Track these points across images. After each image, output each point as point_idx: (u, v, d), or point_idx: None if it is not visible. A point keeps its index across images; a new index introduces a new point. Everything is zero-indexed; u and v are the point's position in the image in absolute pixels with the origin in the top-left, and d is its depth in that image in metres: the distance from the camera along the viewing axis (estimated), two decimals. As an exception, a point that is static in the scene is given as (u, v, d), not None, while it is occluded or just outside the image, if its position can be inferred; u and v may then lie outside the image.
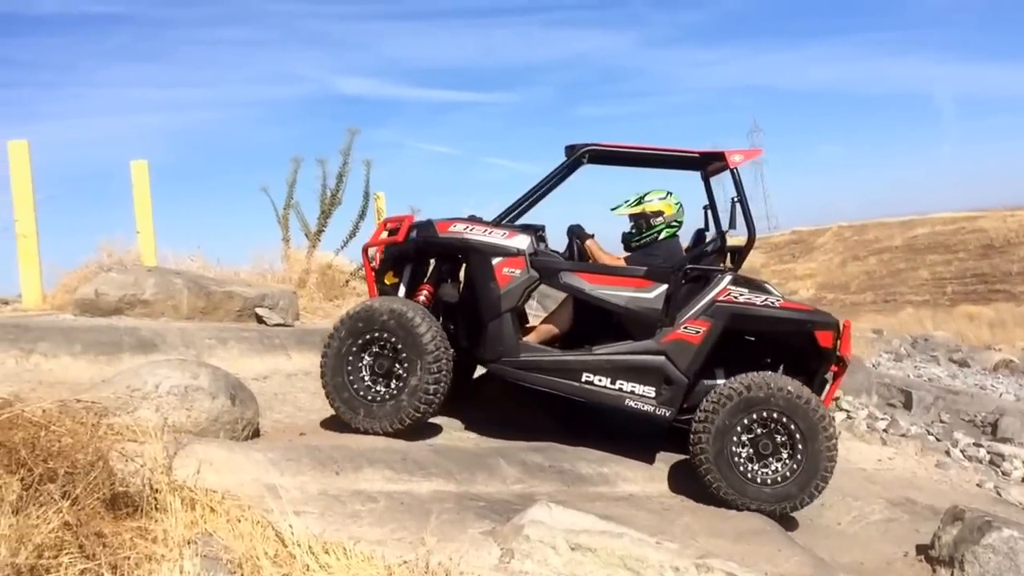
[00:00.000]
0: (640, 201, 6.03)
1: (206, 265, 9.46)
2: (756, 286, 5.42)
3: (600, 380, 5.38)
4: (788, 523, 5.18)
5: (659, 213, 5.94)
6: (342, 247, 10.22)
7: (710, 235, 5.96)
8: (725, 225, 5.61)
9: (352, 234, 10.11)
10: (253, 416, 5.15)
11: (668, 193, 6.06)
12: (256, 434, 5.23)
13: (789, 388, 5.08)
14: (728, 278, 5.40)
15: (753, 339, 5.61)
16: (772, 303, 5.32)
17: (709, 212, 5.92)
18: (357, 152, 10.18)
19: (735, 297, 5.32)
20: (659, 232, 5.93)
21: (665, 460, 5.72)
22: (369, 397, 5.28)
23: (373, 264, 5.87)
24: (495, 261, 5.54)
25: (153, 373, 4.85)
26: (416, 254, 5.82)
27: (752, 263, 43.68)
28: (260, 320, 7.50)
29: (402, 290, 5.77)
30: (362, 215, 10.12)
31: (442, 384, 5.21)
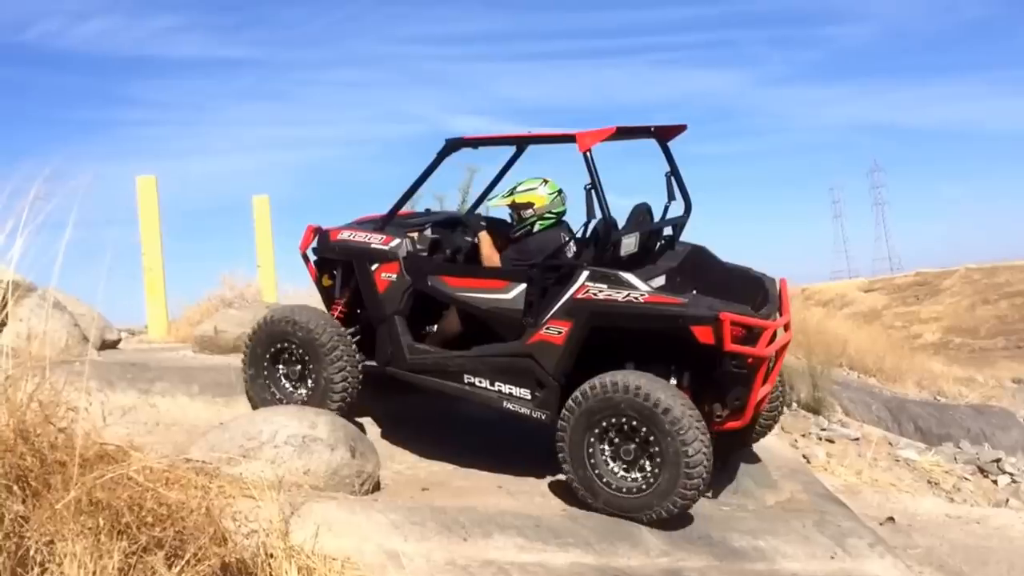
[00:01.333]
0: (512, 191, 5.64)
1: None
2: (617, 280, 4.81)
3: (480, 382, 5.17)
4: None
5: (528, 205, 5.52)
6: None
7: (593, 224, 5.44)
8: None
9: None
10: (374, 469, 4.79)
11: (543, 181, 5.61)
12: (376, 487, 4.87)
13: (637, 388, 4.54)
14: (585, 273, 4.88)
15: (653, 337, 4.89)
16: (636, 298, 4.73)
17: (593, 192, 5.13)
18: (475, 189, 9.95)
19: (594, 294, 4.82)
20: (531, 225, 5.53)
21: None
22: (290, 402, 5.33)
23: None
24: (373, 267, 5.52)
25: (269, 421, 4.55)
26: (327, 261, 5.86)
27: (873, 304, 41.80)
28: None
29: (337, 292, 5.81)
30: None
31: (347, 373, 5.29)
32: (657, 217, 5.65)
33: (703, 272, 5.54)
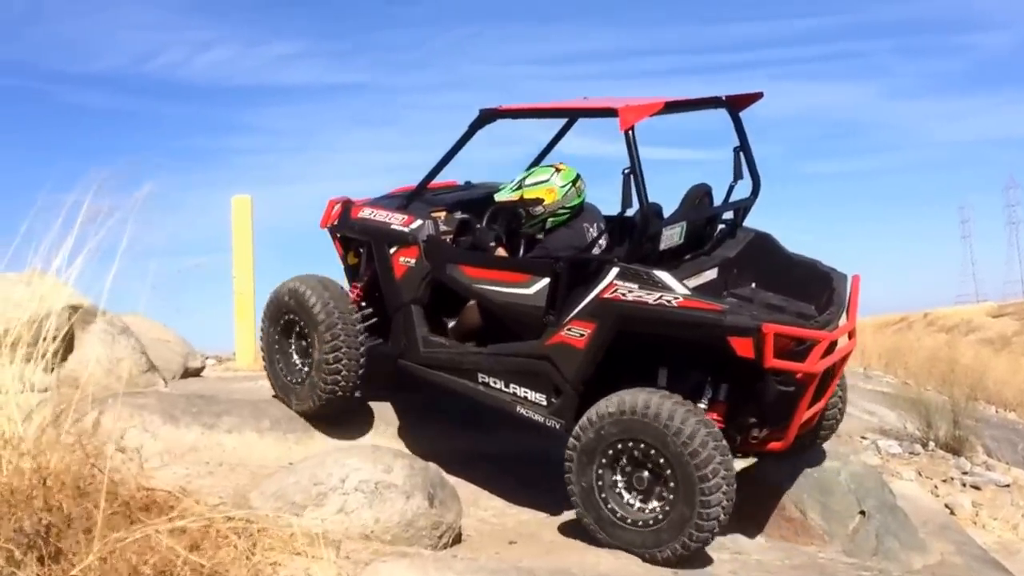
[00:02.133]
0: (520, 184, 5.05)
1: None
2: (650, 280, 4.22)
3: (495, 382, 4.74)
4: None
5: (538, 201, 4.96)
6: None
7: (631, 212, 4.63)
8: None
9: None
10: (454, 519, 4.23)
11: (555, 170, 5.01)
12: (457, 540, 4.31)
13: (646, 407, 4.01)
14: (615, 271, 4.30)
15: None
16: (668, 301, 4.13)
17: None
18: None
19: (622, 294, 4.25)
20: (543, 223, 5.00)
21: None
22: (295, 380, 5.14)
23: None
24: (392, 250, 5.12)
25: (340, 464, 4.04)
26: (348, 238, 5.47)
27: (1003, 330, 39.21)
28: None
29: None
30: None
31: (343, 353, 4.91)
32: (720, 199, 4.99)
33: (765, 263, 4.90)
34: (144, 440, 4.54)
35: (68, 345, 5.06)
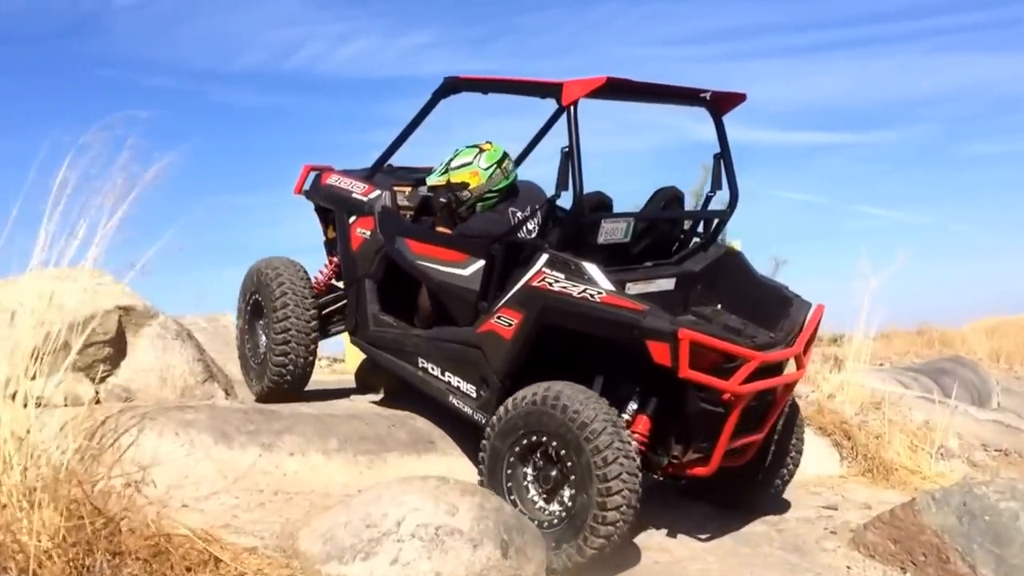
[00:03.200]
0: (447, 167, 4.78)
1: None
2: (577, 270, 4.00)
3: (432, 368, 4.55)
4: None
5: (464, 185, 4.72)
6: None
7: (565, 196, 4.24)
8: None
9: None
10: (537, 570, 3.47)
11: (479, 151, 4.74)
12: (544, 594, 3.55)
13: (556, 398, 3.77)
14: (544, 257, 4.09)
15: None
16: (591, 296, 3.90)
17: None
18: None
19: (549, 283, 4.04)
20: (472, 207, 4.74)
21: None
22: (256, 361, 5.11)
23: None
24: (350, 220, 5.01)
25: (397, 502, 3.33)
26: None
27: None
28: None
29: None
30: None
31: (291, 336, 4.83)
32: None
33: (732, 283, 4.56)
34: (190, 464, 3.98)
35: (120, 351, 4.57)
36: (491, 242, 4.33)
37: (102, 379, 4.48)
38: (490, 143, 4.76)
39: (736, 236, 9.58)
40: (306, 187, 5.34)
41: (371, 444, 4.51)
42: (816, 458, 6.12)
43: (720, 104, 4.59)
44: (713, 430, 3.97)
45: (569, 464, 3.70)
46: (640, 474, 3.68)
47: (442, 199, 4.80)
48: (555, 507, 3.82)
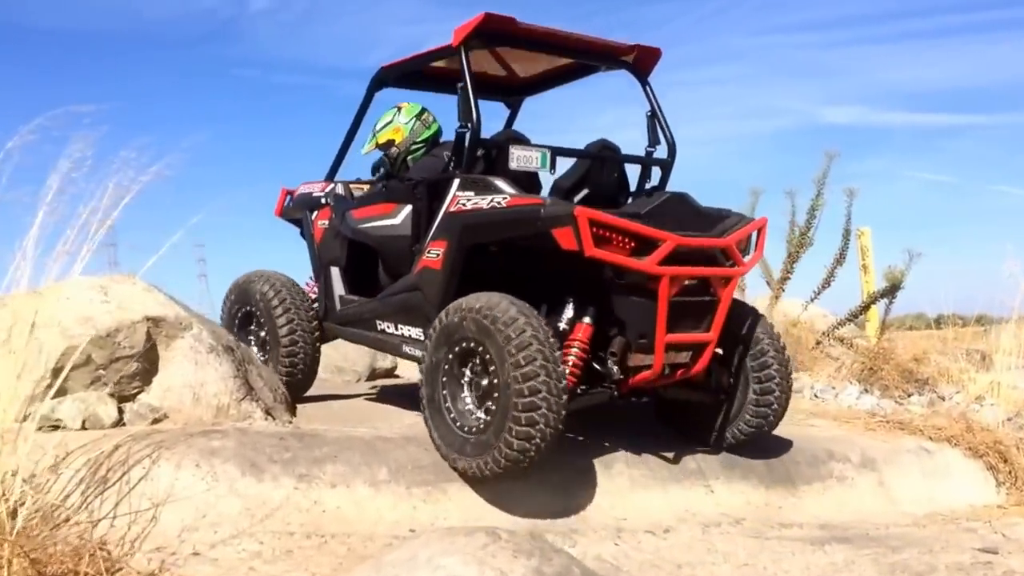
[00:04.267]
0: (374, 133, 5.14)
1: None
2: (485, 185, 4.11)
3: (388, 327, 4.63)
4: None
5: (390, 143, 5.07)
6: (813, 298, 7.97)
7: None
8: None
9: (827, 282, 7.86)
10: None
11: (397, 110, 5.10)
12: None
13: (481, 306, 3.72)
14: (456, 182, 4.24)
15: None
16: (499, 203, 4.00)
17: None
18: (836, 182, 8.37)
19: (463, 205, 4.15)
20: (404, 162, 5.03)
21: None
22: None
23: None
24: (312, 216, 5.31)
25: (433, 566, 2.67)
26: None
27: None
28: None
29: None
30: (840, 258, 7.82)
31: (299, 338, 4.98)
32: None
33: (676, 217, 4.23)
34: (210, 500, 3.42)
35: (150, 367, 4.07)
36: (412, 185, 4.48)
37: (129, 398, 4.00)
38: (406, 103, 5.09)
39: (865, 224, 8.74)
40: (281, 209, 5.67)
41: (429, 473, 3.87)
42: (967, 485, 5.18)
43: (644, 65, 4.72)
44: (647, 323, 3.91)
45: (494, 373, 3.66)
46: (563, 394, 3.58)
47: (380, 166, 5.08)
48: (481, 413, 3.79)
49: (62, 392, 3.88)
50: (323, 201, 5.18)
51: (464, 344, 3.80)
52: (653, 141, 4.72)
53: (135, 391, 4.02)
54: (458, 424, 3.82)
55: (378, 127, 5.05)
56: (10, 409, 3.76)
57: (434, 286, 4.21)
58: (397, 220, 4.58)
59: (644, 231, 3.83)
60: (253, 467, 3.57)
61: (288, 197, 5.63)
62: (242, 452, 3.61)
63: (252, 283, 5.14)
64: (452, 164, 4.40)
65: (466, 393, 3.87)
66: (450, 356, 3.86)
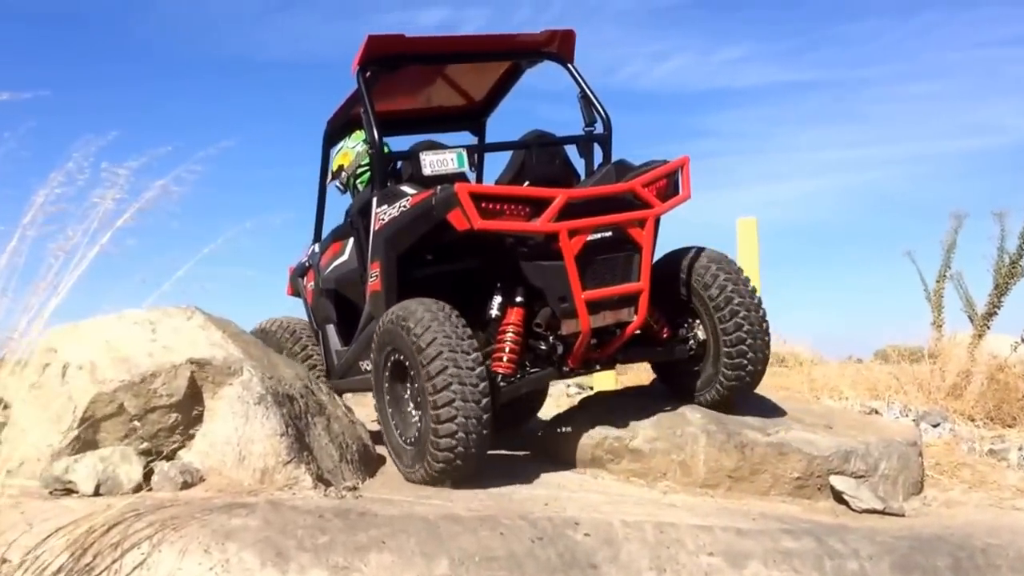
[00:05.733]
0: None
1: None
2: (394, 194, 4.11)
3: (367, 365, 4.33)
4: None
5: (340, 169, 5.02)
6: (1025, 338, 6.91)
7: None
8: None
9: (1043, 319, 6.73)
10: None
11: (348, 135, 5.01)
12: None
13: (396, 315, 3.77)
14: (374, 200, 4.23)
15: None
16: (405, 205, 4.01)
17: None
18: None
19: (383, 219, 4.13)
20: (355, 189, 4.95)
21: None
22: None
23: None
24: (304, 282, 5.28)
25: None
26: None
27: None
28: (840, 499, 4.07)
29: None
30: (1060, 291, 6.76)
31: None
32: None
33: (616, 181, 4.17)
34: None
35: (192, 419, 3.51)
36: (347, 218, 4.60)
37: (168, 455, 3.45)
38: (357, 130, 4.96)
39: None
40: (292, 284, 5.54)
41: (500, 568, 3.06)
42: None
43: (564, 49, 4.68)
44: (563, 285, 3.79)
45: (416, 384, 3.68)
46: (482, 394, 3.57)
47: (339, 191, 5.06)
48: (419, 422, 3.75)
49: (92, 445, 3.41)
50: (307, 264, 5.22)
51: (393, 356, 3.82)
52: (589, 120, 4.67)
53: (175, 447, 3.48)
54: (400, 434, 3.88)
55: (332, 157, 5.06)
56: (28, 465, 3.32)
57: (380, 307, 4.10)
58: (346, 257, 4.66)
59: (528, 192, 3.88)
60: (278, 555, 2.88)
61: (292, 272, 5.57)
62: (267, 534, 2.93)
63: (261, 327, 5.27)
64: (372, 186, 4.40)
65: (409, 404, 3.87)
66: (385, 371, 3.92)
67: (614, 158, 4.53)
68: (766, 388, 7.06)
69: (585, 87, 4.66)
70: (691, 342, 4.24)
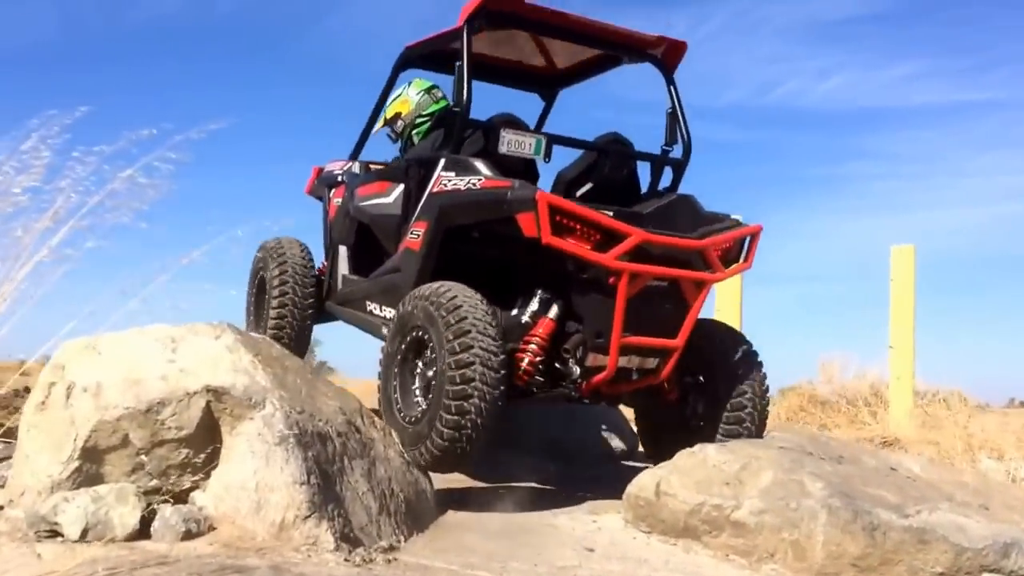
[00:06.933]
0: (383, 111, 4.92)
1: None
2: (466, 166, 3.96)
3: (375, 308, 4.46)
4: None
5: (397, 116, 4.86)
6: None
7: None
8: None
9: None
10: None
11: (407, 85, 4.90)
12: None
13: (429, 293, 3.73)
14: (441, 162, 4.09)
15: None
16: (473, 184, 3.86)
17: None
18: None
19: (444, 186, 4.00)
20: (410, 138, 4.83)
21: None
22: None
23: None
24: (330, 193, 5.23)
25: None
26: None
27: None
28: (999, 607, 3.22)
29: None
30: None
31: (288, 312, 4.98)
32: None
33: (679, 220, 4.07)
34: None
35: (207, 455, 3.03)
36: (406, 165, 4.39)
37: (181, 495, 2.98)
38: (419, 79, 4.92)
39: None
40: (314, 186, 5.54)
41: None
42: None
43: (671, 59, 4.55)
44: (605, 321, 3.77)
45: (435, 361, 3.61)
46: (499, 387, 3.50)
47: (391, 140, 4.94)
48: (423, 403, 3.72)
49: (95, 479, 2.98)
50: (339, 179, 5.11)
51: (415, 333, 3.75)
52: (670, 140, 4.52)
53: (189, 486, 3.00)
54: (402, 414, 3.78)
55: (386, 106, 4.88)
56: (28, 496, 2.92)
57: (410, 267, 4.10)
58: (390, 199, 4.51)
59: (608, 223, 3.72)
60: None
61: (319, 175, 5.54)
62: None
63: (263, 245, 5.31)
64: (442, 144, 4.30)
65: (416, 384, 3.81)
66: (403, 346, 3.83)
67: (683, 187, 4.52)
68: (911, 444, 6.14)
69: (677, 104, 4.54)
70: (693, 407, 4.35)
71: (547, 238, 3.58)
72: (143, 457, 2.96)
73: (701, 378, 4.36)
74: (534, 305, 3.96)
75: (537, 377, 3.91)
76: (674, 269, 3.91)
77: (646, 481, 3.67)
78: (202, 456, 2.99)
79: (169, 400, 2.95)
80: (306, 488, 2.87)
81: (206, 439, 3.00)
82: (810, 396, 7.07)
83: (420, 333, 3.73)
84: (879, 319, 7.23)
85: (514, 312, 4.02)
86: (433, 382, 3.62)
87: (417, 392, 3.82)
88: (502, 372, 3.53)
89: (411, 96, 4.87)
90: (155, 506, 2.88)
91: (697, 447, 3.78)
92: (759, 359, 4.33)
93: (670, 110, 4.54)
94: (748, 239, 4.17)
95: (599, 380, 3.92)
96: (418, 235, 4.11)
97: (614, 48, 4.57)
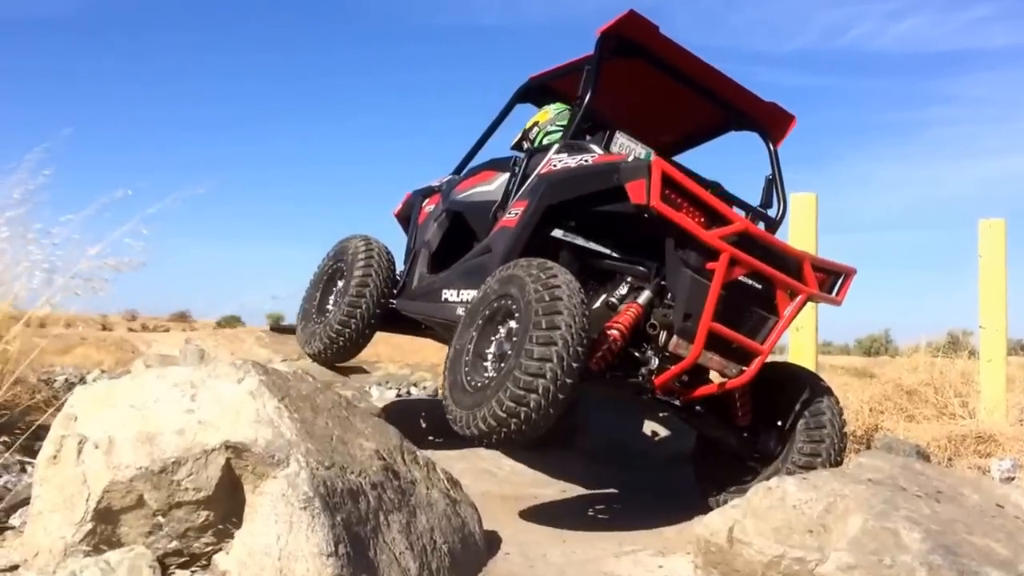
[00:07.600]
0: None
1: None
2: (579, 147, 4.13)
3: (451, 295, 4.49)
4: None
5: (534, 125, 4.87)
6: None
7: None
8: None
9: None
10: None
11: (553, 103, 5.01)
12: None
13: (525, 264, 3.72)
14: (554, 148, 4.26)
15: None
16: (586, 161, 4.02)
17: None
18: None
19: (554, 166, 4.14)
20: (541, 142, 4.72)
21: None
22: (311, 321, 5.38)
23: None
24: (423, 201, 5.39)
25: None
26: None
27: None
28: None
29: None
30: None
31: (364, 300, 4.99)
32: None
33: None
34: None
35: (229, 517, 2.76)
36: (516, 158, 4.47)
37: (200, 558, 2.73)
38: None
39: None
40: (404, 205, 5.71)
41: None
42: None
43: (777, 129, 4.80)
44: (697, 302, 3.69)
45: (517, 332, 3.58)
46: (574, 370, 3.39)
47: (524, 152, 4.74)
48: (491, 371, 3.70)
49: (112, 541, 2.74)
50: (436, 188, 5.27)
51: (504, 300, 3.71)
52: (766, 203, 4.71)
53: (210, 549, 2.74)
54: (468, 377, 3.71)
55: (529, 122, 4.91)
56: (42, 557, 2.70)
57: (503, 243, 4.12)
58: (492, 187, 4.57)
59: (715, 203, 3.74)
60: None
61: (411, 196, 5.65)
62: None
63: (345, 239, 5.41)
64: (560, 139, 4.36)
65: (491, 350, 3.76)
66: (487, 312, 3.79)
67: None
68: (1007, 442, 5.59)
69: (778, 173, 4.74)
70: (765, 442, 4.22)
71: (655, 201, 3.57)
72: (160, 519, 2.71)
73: (779, 420, 4.26)
74: (623, 289, 3.98)
75: (613, 362, 3.82)
76: (772, 267, 3.85)
77: (717, 525, 3.30)
78: (224, 516, 2.73)
79: (185, 459, 2.68)
80: (333, 560, 2.57)
81: (228, 497, 2.73)
82: (896, 384, 6.57)
83: (509, 302, 3.69)
84: (965, 277, 6.81)
85: (600, 298, 4.01)
86: (509, 352, 3.58)
87: (489, 358, 3.77)
88: (580, 362, 3.44)
89: (551, 109, 4.94)
90: (173, 571, 2.63)
91: (774, 481, 3.40)
92: (839, 405, 4.25)
93: (770, 176, 4.75)
94: (843, 276, 4.19)
95: (677, 371, 3.81)
96: (516, 213, 4.14)
97: (729, 107, 4.76)
